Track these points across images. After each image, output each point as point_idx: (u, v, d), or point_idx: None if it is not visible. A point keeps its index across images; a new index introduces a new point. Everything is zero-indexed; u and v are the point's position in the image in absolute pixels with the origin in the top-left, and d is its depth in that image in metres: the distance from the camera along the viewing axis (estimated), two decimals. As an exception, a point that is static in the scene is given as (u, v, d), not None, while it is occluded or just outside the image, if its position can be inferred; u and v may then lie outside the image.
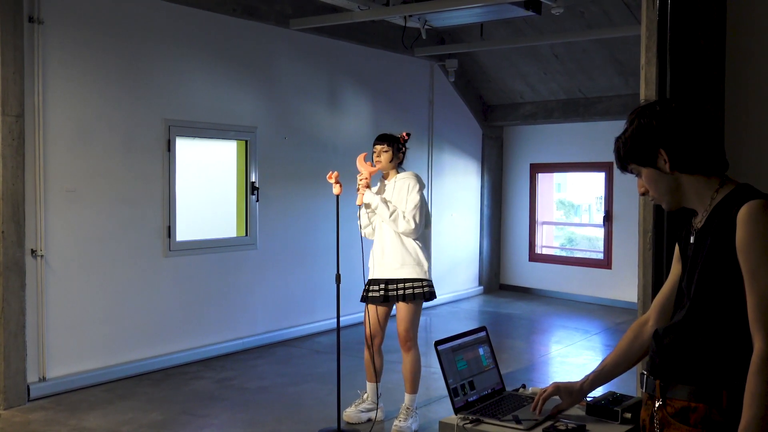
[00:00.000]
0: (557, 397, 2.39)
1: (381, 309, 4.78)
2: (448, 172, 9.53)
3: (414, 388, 4.74)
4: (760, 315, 1.76)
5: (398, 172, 4.77)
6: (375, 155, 4.74)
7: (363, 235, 4.85)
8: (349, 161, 4.85)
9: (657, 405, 1.94)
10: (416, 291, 4.61)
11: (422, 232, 4.67)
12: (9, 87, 5.04)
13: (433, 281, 4.73)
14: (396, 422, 4.68)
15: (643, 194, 2.01)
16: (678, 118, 1.89)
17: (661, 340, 1.98)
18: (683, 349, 1.91)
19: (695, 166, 1.90)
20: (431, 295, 4.65)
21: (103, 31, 5.77)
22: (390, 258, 4.65)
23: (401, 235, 4.64)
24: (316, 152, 7.56)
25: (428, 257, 4.71)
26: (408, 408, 4.72)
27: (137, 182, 6.01)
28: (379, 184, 4.83)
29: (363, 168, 4.73)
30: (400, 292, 4.62)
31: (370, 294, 4.73)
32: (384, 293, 4.67)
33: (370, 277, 4.79)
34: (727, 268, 1.83)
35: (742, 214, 1.80)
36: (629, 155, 1.95)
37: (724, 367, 1.83)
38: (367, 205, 4.70)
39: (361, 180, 4.69)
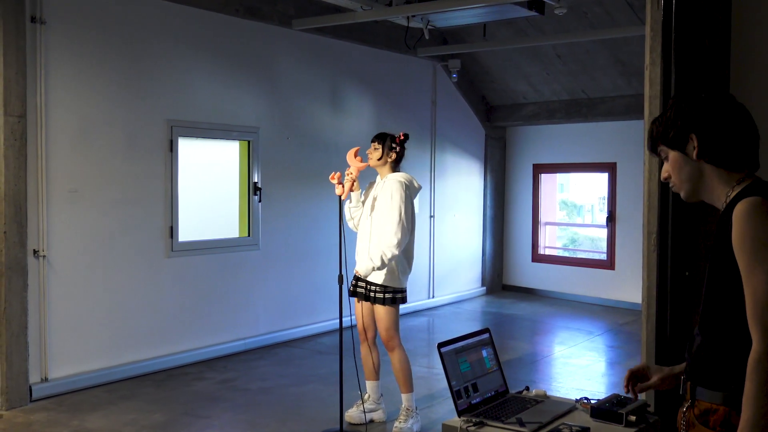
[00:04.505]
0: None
1: (367, 304, 4.79)
2: (451, 173, 9.52)
3: (408, 387, 4.73)
4: (754, 315, 1.73)
5: (393, 171, 4.76)
6: (368, 152, 4.79)
7: (350, 226, 4.87)
8: (353, 162, 4.85)
9: (686, 406, 1.96)
10: (387, 296, 4.62)
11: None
12: (11, 87, 5.04)
13: (407, 287, 4.72)
14: (396, 424, 4.67)
15: (665, 179, 2.01)
16: (717, 109, 1.91)
17: (693, 342, 1.98)
18: (704, 352, 1.92)
19: (721, 159, 1.90)
20: (402, 300, 4.69)
21: (106, 31, 5.76)
22: (366, 260, 4.63)
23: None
24: (319, 153, 7.55)
25: (407, 265, 4.70)
26: (407, 408, 4.71)
27: (140, 183, 6.01)
28: (378, 180, 4.83)
29: (352, 163, 4.73)
30: (371, 294, 4.66)
31: (357, 289, 4.77)
32: (365, 291, 4.71)
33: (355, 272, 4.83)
34: (729, 269, 1.80)
35: (737, 211, 1.78)
36: (661, 136, 1.97)
37: (740, 369, 1.78)
38: (350, 200, 4.76)
39: (348, 175, 4.70)
